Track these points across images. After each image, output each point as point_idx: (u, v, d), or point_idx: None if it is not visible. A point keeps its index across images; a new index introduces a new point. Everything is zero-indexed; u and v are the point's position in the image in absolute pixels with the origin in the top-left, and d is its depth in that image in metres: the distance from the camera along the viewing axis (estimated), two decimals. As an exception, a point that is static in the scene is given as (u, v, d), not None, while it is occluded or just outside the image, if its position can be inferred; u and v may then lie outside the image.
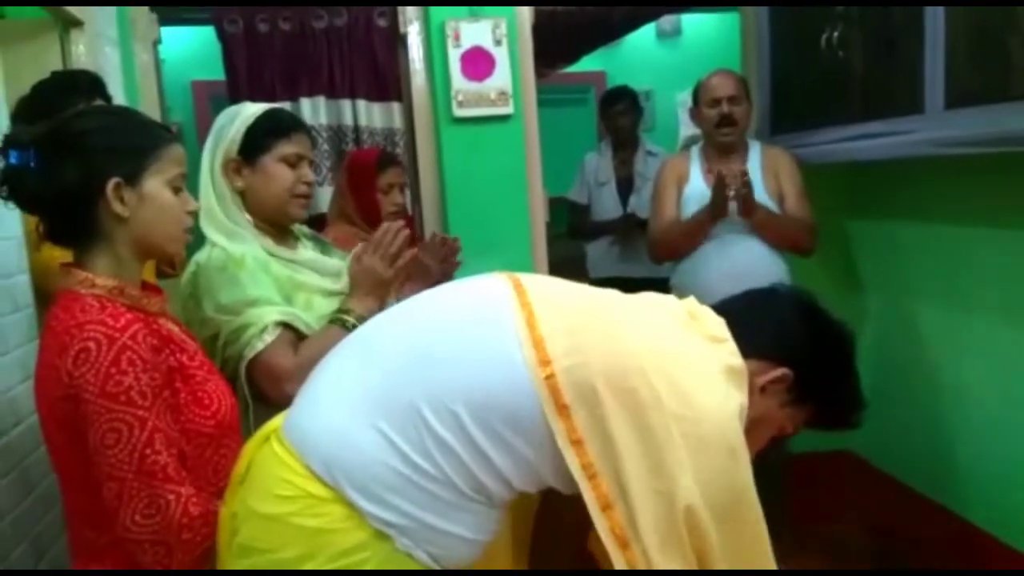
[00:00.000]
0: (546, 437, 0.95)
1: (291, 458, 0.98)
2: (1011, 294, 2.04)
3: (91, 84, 1.90)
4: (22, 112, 1.72)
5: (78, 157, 1.07)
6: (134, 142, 1.11)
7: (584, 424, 0.94)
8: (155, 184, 1.11)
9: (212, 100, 4.06)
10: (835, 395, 1.12)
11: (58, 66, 2.24)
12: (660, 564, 0.92)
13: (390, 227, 1.52)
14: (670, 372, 0.97)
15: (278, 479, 0.97)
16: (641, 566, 0.92)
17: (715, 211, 2.29)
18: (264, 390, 1.39)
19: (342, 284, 1.54)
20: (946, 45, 1.92)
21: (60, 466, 1.12)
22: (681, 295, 1.16)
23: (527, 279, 1.08)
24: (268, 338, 1.38)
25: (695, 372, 0.99)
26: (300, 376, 1.15)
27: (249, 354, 1.37)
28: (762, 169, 2.41)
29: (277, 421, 1.06)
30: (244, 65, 2.70)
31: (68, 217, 1.10)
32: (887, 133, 2.18)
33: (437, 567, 0.98)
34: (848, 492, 2.61)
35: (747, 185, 2.24)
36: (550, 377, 0.95)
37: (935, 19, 1.94)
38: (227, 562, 1.02)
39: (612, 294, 1.11)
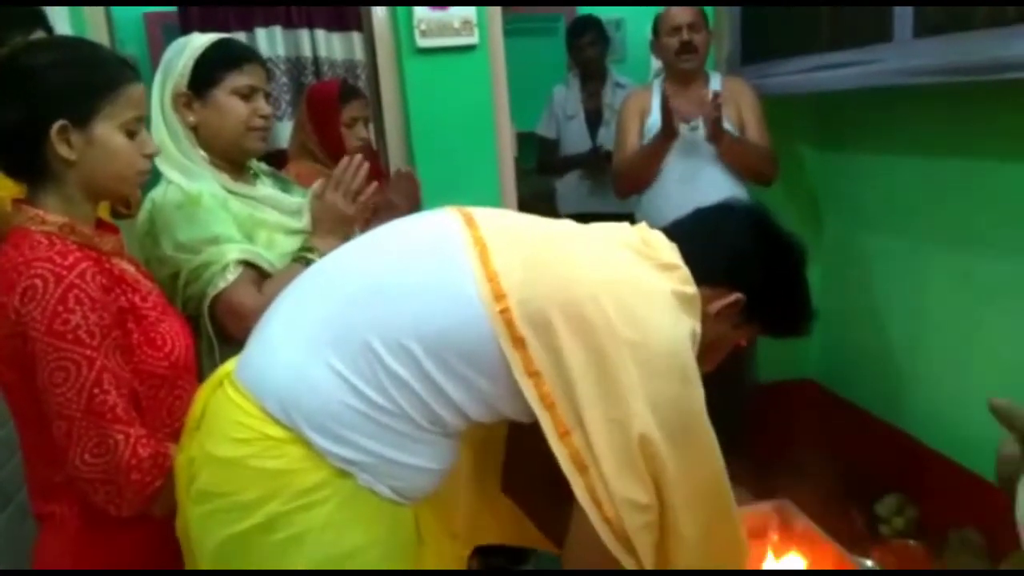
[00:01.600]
0: (502, 369, 0.96)
1: (245, 401, 0.97)
2: (973, 223, 2.07)
3: (30, 16, 1.79)
4: None
5: (25, 95, 1.03)
6: (86, 82, 1.06)
7: (539, 355, 0.95)
8: (106, 128, 1.07)
9: (165, 32, 3.90)
10: (786, 311, 1.15)
11: (-3, -4, 2.12)
12: (617, 488, 0.94)
13: (351, 162, 1.49)
14: (622, 299, 0.97)
15: (234, 422, 0.97)
16: (599, 489, 0.94)
17: (666, 132, 2.29)
18: (228, 329, 1.37)
19: (305, 222, 1.51)
20: (915, -29, 1.90)
21: (14, 405, 1.11)
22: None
23: (478, 213, 1.07)
24: (230, 276, 1.36)
25: (646, 299, 0.99)
26: None
27: (211, 293, 1.35)
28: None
29: (229, 365, 1.05)
30: (196, -6, 2.59)
31: (16, 154, 1.07)
32: (856, 63, 2.16)
33: (400, 500, 1.00)
34: (810, 419, 2.69)
35: (718, 109, 2.23)
36: (505, 311, 0.95)
37: (905, -55, 1.91)
38: (187, 507, 1.02)
39: (565, 225, 1.11)
